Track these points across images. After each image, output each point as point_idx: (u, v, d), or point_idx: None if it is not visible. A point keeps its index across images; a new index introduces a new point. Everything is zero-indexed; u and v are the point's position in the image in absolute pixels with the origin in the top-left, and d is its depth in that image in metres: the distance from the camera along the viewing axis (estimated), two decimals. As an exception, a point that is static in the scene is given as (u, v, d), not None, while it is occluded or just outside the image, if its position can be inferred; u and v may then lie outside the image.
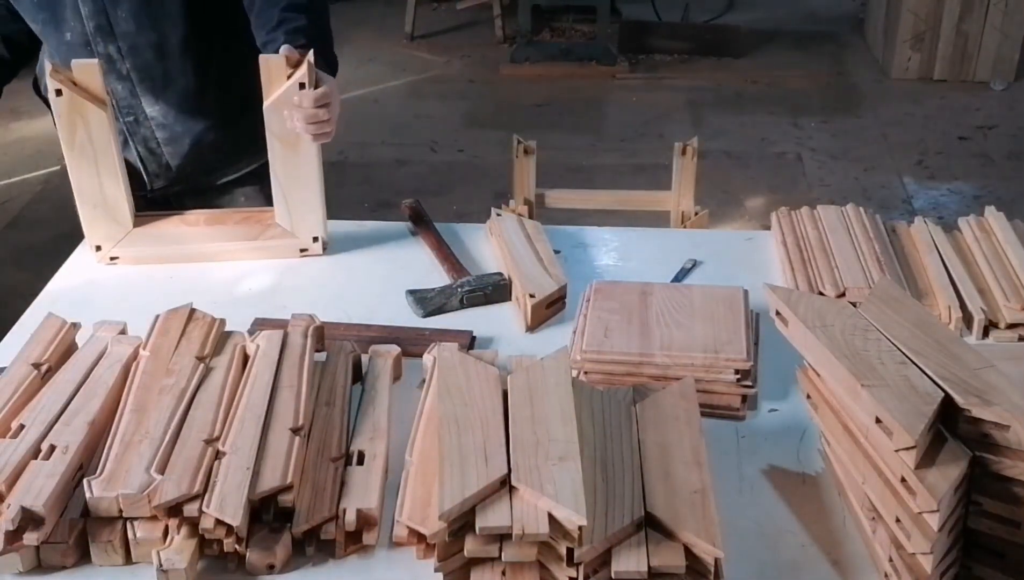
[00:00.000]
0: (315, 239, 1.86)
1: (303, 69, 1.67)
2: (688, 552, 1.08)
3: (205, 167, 1.99)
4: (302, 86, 1.67)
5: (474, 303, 1.70)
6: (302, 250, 1.86)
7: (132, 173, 1.96)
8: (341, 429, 1.32)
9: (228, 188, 2.04)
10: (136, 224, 1.85)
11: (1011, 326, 1.59)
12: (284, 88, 1.69)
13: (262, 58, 1.68)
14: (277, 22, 1.79)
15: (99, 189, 1.78)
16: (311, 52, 1.68)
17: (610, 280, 1.68)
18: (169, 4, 1.80)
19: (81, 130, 1.72)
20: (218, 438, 1.25)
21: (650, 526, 1.11)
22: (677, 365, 1.44)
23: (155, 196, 2.00)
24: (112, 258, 1.84)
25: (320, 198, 1.82)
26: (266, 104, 1.72)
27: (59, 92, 1.68)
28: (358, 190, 4.23)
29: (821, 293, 1.63)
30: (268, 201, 1.89)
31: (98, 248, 1.83)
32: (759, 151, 4.74)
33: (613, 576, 1.07)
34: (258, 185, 2.01)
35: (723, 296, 1.58)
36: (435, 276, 1.78)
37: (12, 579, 1.17)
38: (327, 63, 1.79)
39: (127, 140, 1.93)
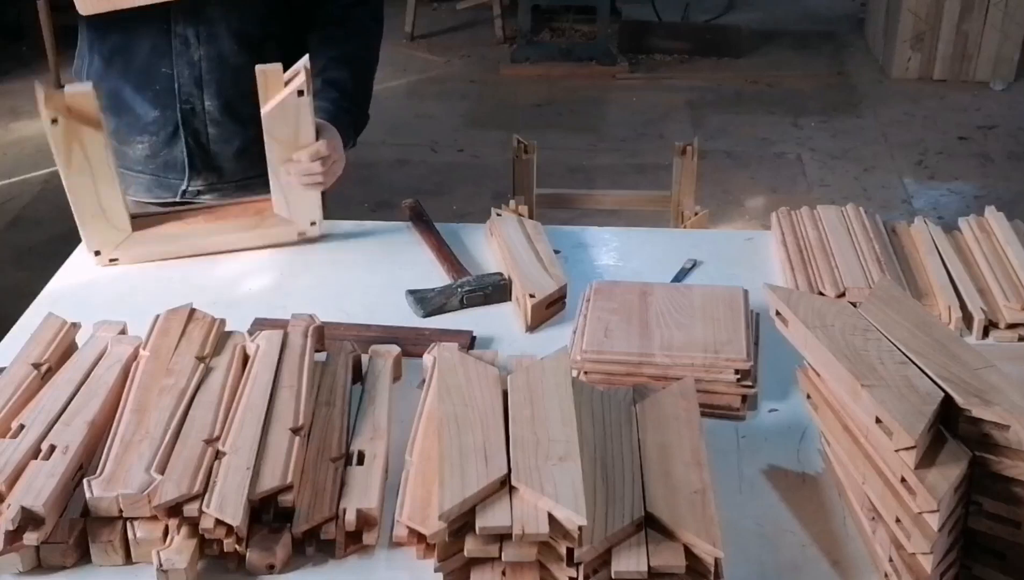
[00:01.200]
0: (312, 223, 1.87)
1: (301, 77, 1.68)
2: (688, 552, 1.08)
3: (243, 177, 1.98)
4: (300, 93, 1.69)
5: (474, 303, 1.70)
6: (300, 234, 1.87)
7: (169, 170, 1.96)
8: (341, 429, 1.32)
9: None
10: (135, 228, 1.85)
11: (1011, 326, 1.59)
12: (282, 95, 1.70)
13: (258, 68, 1.70)
14: (321, 68, 1.84)
15: (96, 201, 1.78)
16: (306, 58, 1.71)
17: (610, 280, 1.68)
18: (261, 4, 1.80)
19: (78, 152, 1.71)
20: (218, 438, 1.25)
21: (650, 526, 1.11)
22: (677, 365, 1.44)
23: (183, 201, 2.00)
24: (112, 260, 1.83)
25: (317, 194, 1.84)
26: (264, 111, 1.72)
27: (54, 121, 1.67)
28: (358, 190, 4.23)
29: (821, 293, 1.64)
30: None
31: (97, 253, 1.83)
32: (759, 151, 4.74)
33: (613, 576, 1.07)
34: None
35: (723, 296, 1.58)
36: (435, 276, 1.78)
37: (12, 579, 1.17)
38: (353, 121, 1.83)
39: (177, 129, 1.91)
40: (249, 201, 1.94)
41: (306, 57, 1.70)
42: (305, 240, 1.88)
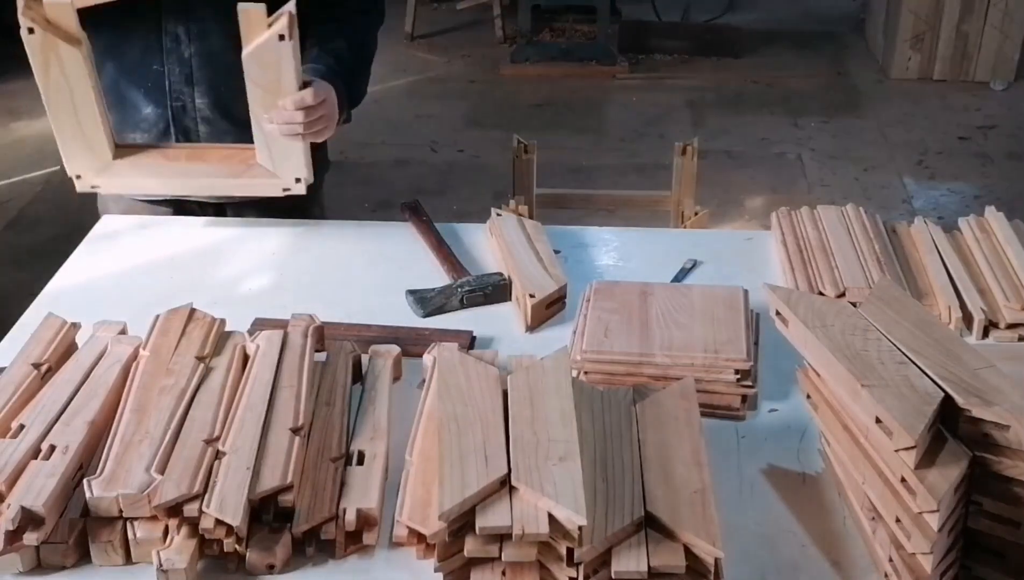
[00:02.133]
0: (298, 180, 1.83)
1: (283, 20, 1.67)
2: (688, 552, 1.08)
3: None
4: (281, 37, 1.67)
5: (474, 303, 1.70)
6: (285, 189, 1.84)
7: None
8: (341, 429, 1.32)
9: (244, 209, 2.02)
10: (116, 156, 1.83)
11: (1011, 326, 1.59)
12: (264, 37, 1.68)
13: (240, 7, 1.67)
14: (317, 40, 1.82)
15: (77, 124, 1.76)
16: (292, 3, 1.69)
17: (610, 280, 1.68)
18: None
19: (55, 68, 1.70)
20: (218, 438, 1.25)
21: (650, 526, 1.12)
22: (677, 365, 1.44)
23: (177, 198, 1.99)
24: (93, 186, 1.81)
25: (301, 144, 1.80)
26: (245, 53, 1.70)
27: (31, 31, 1.66)
28: (358, 190, 4.23)
29: (821, 293, 1.64)
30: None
31: (78, 177, 1.81)
32: (759, 151, 4.74)
33: (613, 576, 1.07)
34: (274, 213, 1.99)
35: (723, 296, 1.58)
36: (435, 276, 1.78)
37: (12, 579, 1.17)
38: (348, 91, 1.81)
39: (168, 127, 1.92)
40: (235, 147, 1.89)
41: (292, 3, 1.68)
42: (304, 225, 1.86)
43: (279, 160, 1.82)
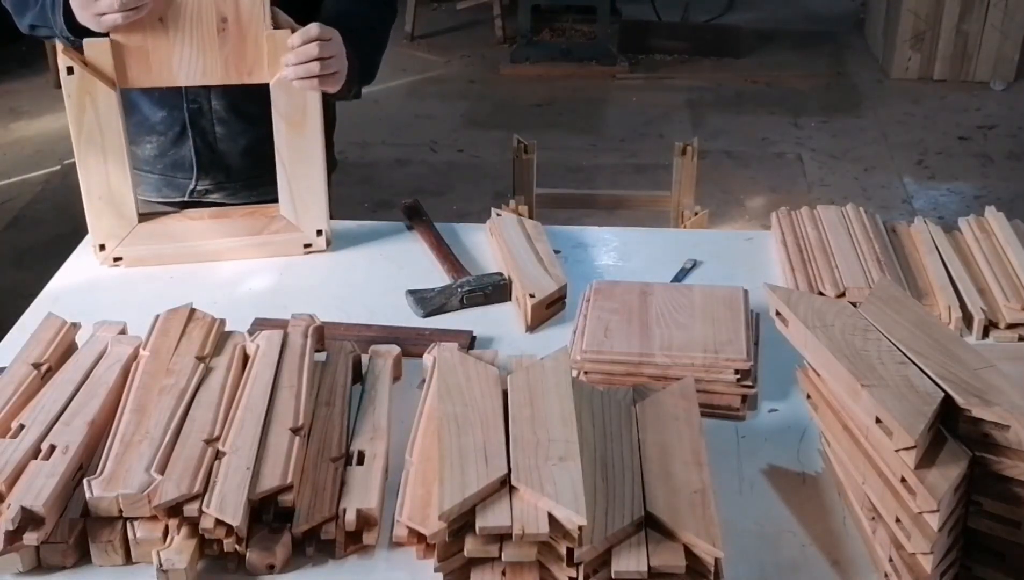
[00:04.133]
0: (319, 233, 1.85)
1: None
2: (688, 552, 1.08)
3: (250, 175, 1.97)
4: None
5: (474, 303, 1.70)
6: (306, 246, 1.85)
7: (177, 170, 1.95)
8: (341, 429, 1.32)
9: None
10: (140, 220, 1.84)
11: (1011, 326, 1.59)
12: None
13: (268, 33, 1.68)
14: (335, 16, 1.79)
15: (105, 179, 1.76)
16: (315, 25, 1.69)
17: (610, 280, 1.68)
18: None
19: (90, 112, 1.70)
20: (218, 438, 1.25)
21: (650, 526, 1.12)
22: (677, 365, 1.44)
23: (191, 201, 1.99)
24: (116, 259, 1.82)
25: (323, 184, 1.82)
26: (272, 81, 1.71)
27: (70, 70, 1.67)
28: (358, 190, 4.23)
29: (821, 293, 1.64)
30: None
31: (102, 247, 1.82)
32: (759, 151, 4.75)
33: (613, 576, 1.07)
34: None
35: (723, 296, 1.58)
36: (435, 276, 1.78)
37: (12, 579, 1.17)
38: (358, 62, 1.79)
39: (184, 129, 1.92)
40: (258, 207, 1.91)
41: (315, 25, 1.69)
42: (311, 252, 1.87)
43: (301, 207, 1.83)
